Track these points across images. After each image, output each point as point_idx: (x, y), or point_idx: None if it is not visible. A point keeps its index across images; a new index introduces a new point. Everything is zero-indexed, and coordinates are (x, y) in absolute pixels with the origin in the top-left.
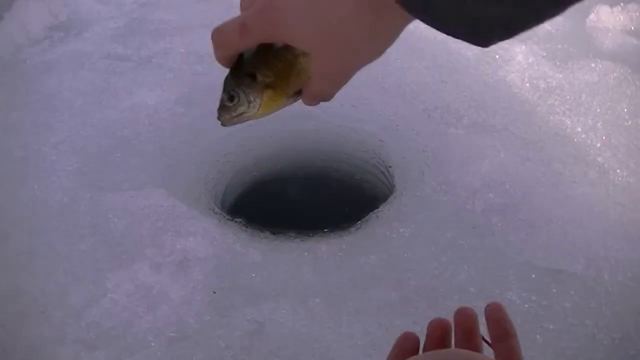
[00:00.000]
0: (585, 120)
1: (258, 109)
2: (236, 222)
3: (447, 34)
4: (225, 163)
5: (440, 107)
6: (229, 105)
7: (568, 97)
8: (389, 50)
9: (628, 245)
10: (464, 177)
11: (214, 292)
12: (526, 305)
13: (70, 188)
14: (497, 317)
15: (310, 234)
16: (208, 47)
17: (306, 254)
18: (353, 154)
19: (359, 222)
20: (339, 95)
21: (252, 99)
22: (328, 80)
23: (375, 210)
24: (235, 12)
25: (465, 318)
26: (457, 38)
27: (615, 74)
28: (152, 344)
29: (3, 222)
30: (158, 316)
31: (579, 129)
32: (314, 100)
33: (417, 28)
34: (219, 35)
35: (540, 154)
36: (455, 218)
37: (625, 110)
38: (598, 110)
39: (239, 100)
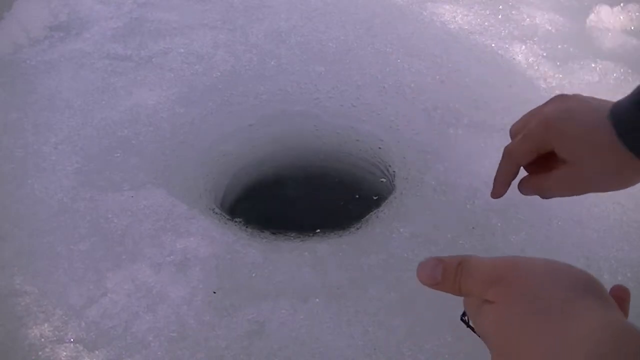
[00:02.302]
0: None
1: None
2: (236, 222)
3: None
4: (225, 163)
5: (440, 107)
6: None
7: None
8: (388, 50)
9: (628, 245)
10: (464, 177)
11: (214, 292)
12: None
13: (70, 188)
14: (622, 293)
15: (310, 234)
16: (208, 47)
17: (306, 254)
18: (353, 153)
19: (359, 222)
20: (338, 95)
21: None
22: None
23: (375, 210)
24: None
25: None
26: None
27: (615, 74)
28: (152, 344)
29: (3, 222)
30: (158, 316)
31: None
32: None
33: (417, 28)
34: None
35: None
36: (455, 218)
37: None
38: None
39: None
